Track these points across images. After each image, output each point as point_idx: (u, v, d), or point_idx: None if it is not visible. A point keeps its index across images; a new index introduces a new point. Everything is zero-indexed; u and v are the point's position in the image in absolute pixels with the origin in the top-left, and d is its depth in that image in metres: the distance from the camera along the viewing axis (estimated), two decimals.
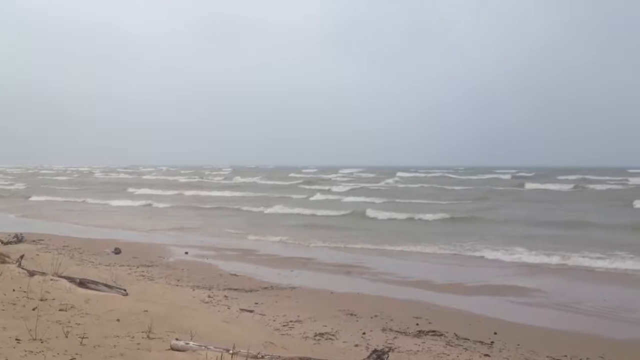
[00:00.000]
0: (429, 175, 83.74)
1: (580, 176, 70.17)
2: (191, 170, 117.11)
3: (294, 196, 44.30)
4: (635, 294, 12.96)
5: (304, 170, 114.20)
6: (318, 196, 44.32)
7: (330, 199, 42.30)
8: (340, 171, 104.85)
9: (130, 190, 53.35)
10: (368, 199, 40.30)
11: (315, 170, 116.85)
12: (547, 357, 7.99)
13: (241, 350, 5.86)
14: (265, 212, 33.07)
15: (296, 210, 32.57)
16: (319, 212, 31.56)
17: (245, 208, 35.27)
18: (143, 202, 40.65)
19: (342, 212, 31.63)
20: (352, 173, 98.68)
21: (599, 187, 53.12)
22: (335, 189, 53.06)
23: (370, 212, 30.95)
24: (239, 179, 76.10)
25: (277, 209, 33.50)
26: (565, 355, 8.06)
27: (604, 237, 20.93)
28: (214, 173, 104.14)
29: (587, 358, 8.01)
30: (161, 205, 38.32)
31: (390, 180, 70.09)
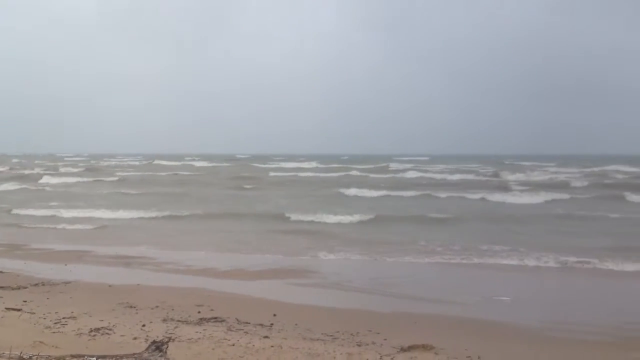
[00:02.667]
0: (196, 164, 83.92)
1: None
2: None
3: None
4: (397, 271, 14.18)
5: (66, 158, 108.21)
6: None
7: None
8: (113, 160, 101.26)
9: None
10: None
11: (86, 157, 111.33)
12: (322, 333, 8.45)
13: (4, 352, 5.40)
14: None
15: None
16: None
17: None
18: None
19: None
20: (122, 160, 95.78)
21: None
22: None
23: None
24: None
25: None
26: (338, 331, 8.60)
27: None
28: None
29: (357, 332, 8.62)
30: None
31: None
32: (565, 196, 32.86)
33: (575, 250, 16.08)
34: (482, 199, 32.78)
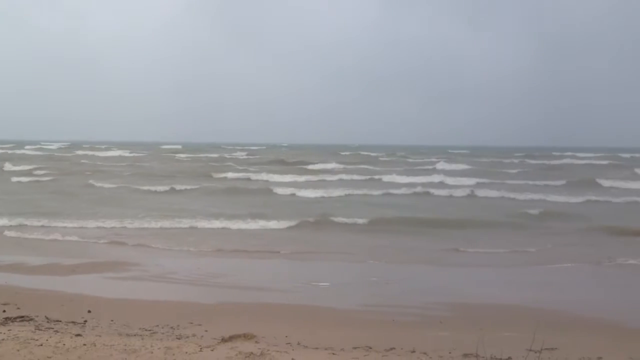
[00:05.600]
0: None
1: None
2: None
3: None
4: (224, 263, 14.15)
5: None
6: None
7: None
8: None
9: None
10: None
11: None
12: (140, 328, 8.18)
13: None
14: None
15: None
16: None
17: None
18: None
19: None
20: None
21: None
22: None
23: None
24: None
25: None
26: (158, 325, 8.38)
27: None
28: None
29: (178, 325, 8.45)
30: None
31: None
32: None
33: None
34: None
